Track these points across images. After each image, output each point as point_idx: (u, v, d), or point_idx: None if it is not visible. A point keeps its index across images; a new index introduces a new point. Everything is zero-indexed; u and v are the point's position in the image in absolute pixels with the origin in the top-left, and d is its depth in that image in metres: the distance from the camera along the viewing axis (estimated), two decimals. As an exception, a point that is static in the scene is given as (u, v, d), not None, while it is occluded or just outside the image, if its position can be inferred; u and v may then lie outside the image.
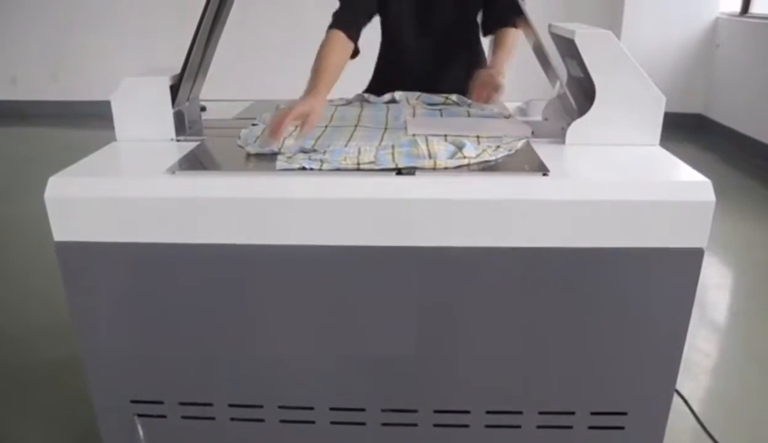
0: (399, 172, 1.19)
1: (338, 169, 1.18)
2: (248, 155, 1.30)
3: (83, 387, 1.32)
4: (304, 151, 1.29)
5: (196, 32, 1.40)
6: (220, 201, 1.15)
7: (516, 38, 1.80)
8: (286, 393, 1.30)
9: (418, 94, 1.77)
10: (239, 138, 1.39)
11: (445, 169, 1.19)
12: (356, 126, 1.49)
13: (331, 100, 1.71)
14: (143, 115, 1.40)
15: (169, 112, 1.40)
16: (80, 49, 5.69)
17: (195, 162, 1.28)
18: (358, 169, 1.18)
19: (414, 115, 1.59)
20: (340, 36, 1.60)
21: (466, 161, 1.22)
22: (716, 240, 3.03)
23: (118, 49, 5.63)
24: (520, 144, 1.34)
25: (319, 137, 1.37)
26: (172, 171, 1.20)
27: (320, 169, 1.18)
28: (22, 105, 5.80)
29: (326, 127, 1.48)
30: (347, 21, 1.63)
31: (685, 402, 1.79)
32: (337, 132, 1.43)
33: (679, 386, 1.45)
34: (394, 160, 1.19)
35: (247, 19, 5.33)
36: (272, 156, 1.27)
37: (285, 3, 5.37)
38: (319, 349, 1.26)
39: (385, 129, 1.47)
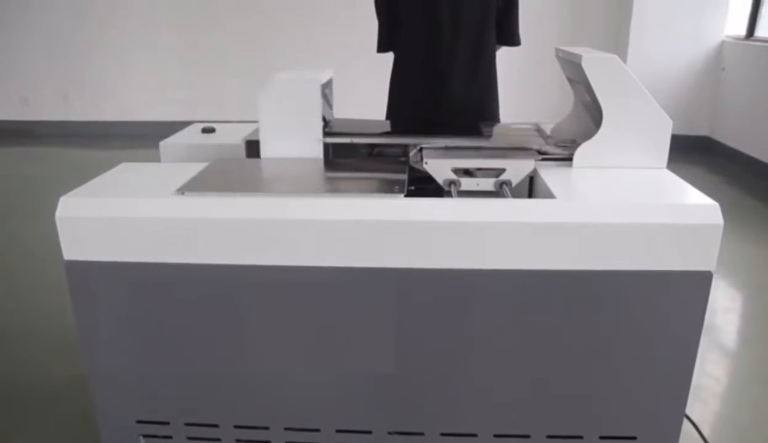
0: (410, 193, 1.20)
1: None
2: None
3: (89, 406, 1.32)
4: None
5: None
6: (228, 222, 1.15)
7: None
8: (292, 414, 1.30)
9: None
10: None
11: None
12: None
13: None
14: (292, 115, 1.42)
15: (318, 112, 1.42)
16: (90, 70, 5.76)
17: (204, 183, 1.29)
18: None
19: None
20: None
21: None
22: (724, 262, 3.01)
23: (127, 70, 5.70)
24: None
25: None
26: (181, 191, 1.21)
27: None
28: (33, 125, 5.87)
29: None
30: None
31: (695, 427, 1.76)
32: None
33: (689, 410, 1.43)
34: None
35: (255, 43, 5.40)
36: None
37: (294, 28, 5.44)
38: (325, 371, 1.26)
39: None
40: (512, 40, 2.10)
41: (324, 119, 1.47)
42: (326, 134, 1.46)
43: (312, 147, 1.41)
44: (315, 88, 1.40)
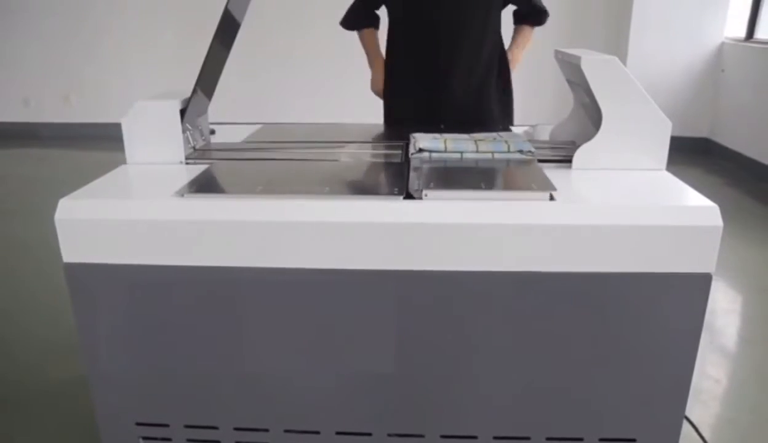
0: (407, 196, 1.20)
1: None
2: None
3: (88, 409, 1.32)
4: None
5: (207, 57, 1.43)
6: (228, 224, 1.16)
7: (531, 33, 2.18)
8: (292, 417, 1.30)
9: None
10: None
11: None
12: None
13: None
14: (153, 138, 1.42)
15: (179, 135, 1.41)
16: (92, 71, 5.77)
17: (203, 185, 1.29)
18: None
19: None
20: (371, 32, 2.17)
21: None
22: (724, 264, 3.01)
23: (128, 72, 5.71)
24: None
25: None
26: (180, 193, 1.21)
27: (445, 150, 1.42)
28: (34, 126, 5.87)
29: None
30: (369, 19, 2.14)
31: (695, 428, 1.76)
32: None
33: (688, 412, 1.43)
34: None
35: (256, 44, 5.40)
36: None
37: (294, 28, 5.44)
38: (325, 373, 1.26)
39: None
40: (539, 16, 2.12)
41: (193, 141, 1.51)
42: (197, 152, 1.51)
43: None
44: (174, 112, 1.39)
